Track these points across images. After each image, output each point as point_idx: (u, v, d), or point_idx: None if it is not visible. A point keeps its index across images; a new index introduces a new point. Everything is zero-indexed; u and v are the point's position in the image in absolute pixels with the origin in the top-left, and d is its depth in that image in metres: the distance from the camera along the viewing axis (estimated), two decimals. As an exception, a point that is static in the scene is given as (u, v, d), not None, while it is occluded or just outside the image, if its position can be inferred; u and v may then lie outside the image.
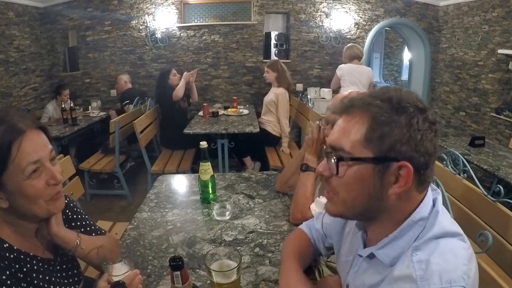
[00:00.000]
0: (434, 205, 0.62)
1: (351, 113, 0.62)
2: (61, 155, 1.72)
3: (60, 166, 0.82)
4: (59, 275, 0.86)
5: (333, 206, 0.66)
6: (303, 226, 1.03)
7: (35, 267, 0.80)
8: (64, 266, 0.89)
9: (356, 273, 0.71)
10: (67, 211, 0.96)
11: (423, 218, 0.60)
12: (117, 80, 4.07)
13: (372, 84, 3.61)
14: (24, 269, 0.77)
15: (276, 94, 3.37)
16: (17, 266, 0.76)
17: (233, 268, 0.86)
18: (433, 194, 0.64)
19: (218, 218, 1.28)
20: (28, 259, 0.79)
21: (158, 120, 3.78)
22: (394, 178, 0.58)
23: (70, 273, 0.90)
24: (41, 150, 0.75)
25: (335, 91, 3.93)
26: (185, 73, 3.49)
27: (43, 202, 0.77)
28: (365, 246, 0.70)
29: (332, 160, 0.62)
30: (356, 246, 0.74)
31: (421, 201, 0.61)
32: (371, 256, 0.65)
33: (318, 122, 1.33)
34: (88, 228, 1.00)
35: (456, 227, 0.61)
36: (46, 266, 0.83)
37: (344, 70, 3.51)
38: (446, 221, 0.60)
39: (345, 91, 3.41)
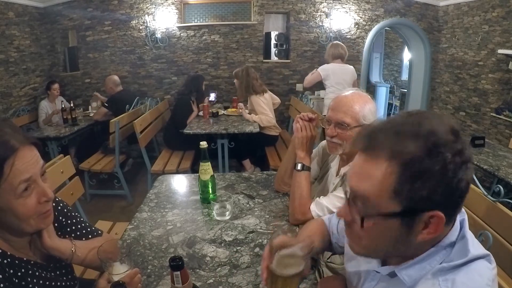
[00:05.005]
0: (461, 228, 0.60)
1: (375, 156, 0.55)
2: (61, 155, 1.72)
3: (49, 182, 0.80)
4: (54, 279, 0.86)
5: (356, 247, 0.64)
6: (325, 218, 1.03)
7: (30, 272, 0.80)
8: (58, 272, 0.89)
9: None
10: (60, 217, 0.94)
11: (451, 243, 0.59)
12: (104, 83, 3.82)
13: (355, 82, 3.54)
14: (19, 274, 0.77)
15: (251, 103, 3.36)
16: (11, 271, 0.75)
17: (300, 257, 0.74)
18: (459, 215, 0.61)
19: (218, 218, 1.28)
20: (22, 264, 0.79)
21: (162, 118, 3.78)
22: (423, 225, 0.55)
23: (64, 278, 0.90)
24: (33, 167, 0.73)
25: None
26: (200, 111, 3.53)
27: (33, 220, 0.75)
28: (383, 263, 0.69)
29: (356, 214, 0.58)
30: (371, 259, 0.72)
31: (449, 229, 0.59)
32: (392, 275, 0.64)
33: (301, 116, 1.32)
34: (84, 231, 0.99)
35: (482, 249, 0.59)
36: (40, 270, 0.83)
37: (329, 70, 3.38)
38: (474, 246, 0.58)
39: (330, 92, 3.37)
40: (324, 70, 3.42)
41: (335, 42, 3.57)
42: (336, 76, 3.38)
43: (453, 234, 0.59)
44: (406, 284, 0.60)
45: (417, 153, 0.52)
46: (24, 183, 0.71)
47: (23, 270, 0.78)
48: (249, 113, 3.36)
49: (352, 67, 3.52)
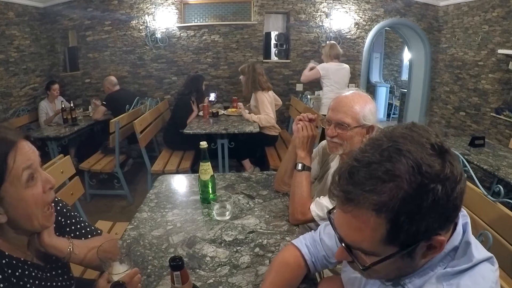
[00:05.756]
0: (464, 231, 0.59)
1: (358, 213, 0.52)
2: (61, 155, 1.72)
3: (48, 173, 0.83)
4: (50, 279, 0.86)
5: (365, 277, 0.66)
6: (301, 245, 0.95)
7: (27, 272, 0.80)
8: (54, 272, 0.89)
9: None
10: (60, 217, 0.95)
11: (455, 247, 0.58)
12: (102, 84, 3.85)
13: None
14: (17, 274, 0.78)
15: (255, 99, 3.36)
16: (9, 271, 0.76)
17: None
18: (462, 219, 0.60)
19: (218, 218, 1.28)
20: (20, 264, 0.79)
21: (162, 118, 3.78)
22: (426, 248, 0.54)
23: (61, 278, 0.90)
24: (32, 156, 0.77)
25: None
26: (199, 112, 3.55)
27: (40, 215, 0.77)
28: None
29: (355, 262, 0.58)
30: None
31: (451, 233, 0.58)
32: (396, 284, 0.63)
33: (303, 116, 1.32)
34: (83, 231, 0.99)
35: (485, 252, 0.59)
36: (37, 271, 0.83)
37: (329, 70, 3.42)
38: (477, 250, 0.58)
39: (329, 91, 3.39)
40: (323, 69, 3.45)
41: (332, 42, 3.61)
42: (335, 75, 3.44)
43: (456, 239, 0.58)
44: None
45: (403, 197, 0.48)
46: (27, 170, 0.74)
47: (20, 271, 0.79)
48: (251, 111, 3.36)
49: (347, 65, 3.55)
